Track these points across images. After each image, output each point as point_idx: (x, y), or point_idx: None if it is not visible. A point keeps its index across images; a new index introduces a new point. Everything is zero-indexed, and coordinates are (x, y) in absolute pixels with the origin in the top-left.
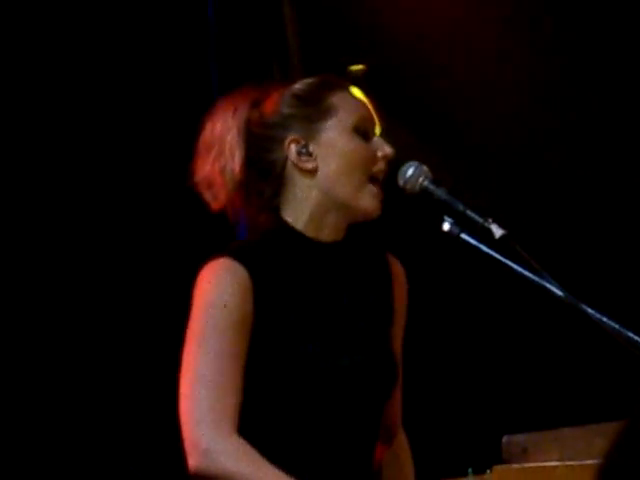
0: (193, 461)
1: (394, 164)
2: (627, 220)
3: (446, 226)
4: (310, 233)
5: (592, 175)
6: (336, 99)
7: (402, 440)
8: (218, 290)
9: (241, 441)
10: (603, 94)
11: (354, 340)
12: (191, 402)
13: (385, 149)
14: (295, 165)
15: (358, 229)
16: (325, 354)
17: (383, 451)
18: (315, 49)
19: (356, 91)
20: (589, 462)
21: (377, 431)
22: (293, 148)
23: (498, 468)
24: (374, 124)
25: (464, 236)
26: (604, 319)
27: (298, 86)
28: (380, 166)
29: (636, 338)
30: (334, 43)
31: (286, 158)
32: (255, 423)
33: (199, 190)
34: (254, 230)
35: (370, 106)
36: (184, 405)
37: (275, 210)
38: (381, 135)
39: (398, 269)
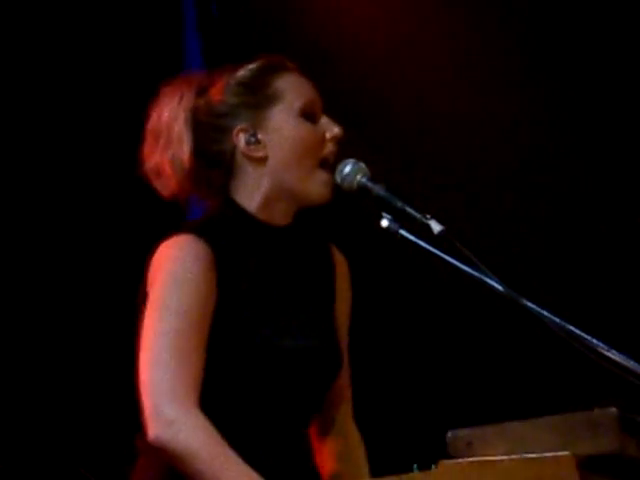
0: (155, 430)
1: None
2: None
3: (385, 222)
4: (261, 217)
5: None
6: (281, 83)
7: (354, 433)
8: (184, 265)
9: (204, 418)
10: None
11: (303, 324)
12: (156, 371)
13: (334, 130)
14: (245, 154)
15: (303, 216)
16: (278, 336)
17: (334, 442)
18: (238, 49)
19: (298, 72)
20: (534, 455)
21: (314, 415)
22: (242, 137)
23: (444, 463)
24: (320, 105)
25: (403, 232)
26: (545, 313)
27: (242, 73)
28: (330, 148)
29: (577, 331)
30: (257, 43)
31: (235, 147)
32: (209, 399)
33: (148, 178)
34: (204, 212)
35: (313, 86)
36: (147, 373)
37: (225, 195)
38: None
39: (340, 259)
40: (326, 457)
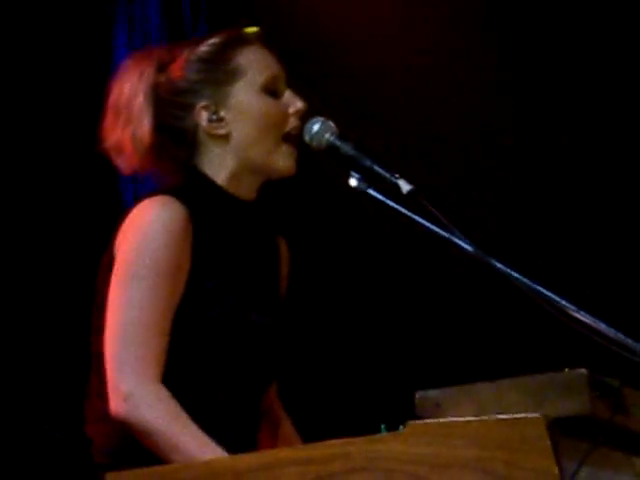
0: (114, 405)
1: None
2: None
3: (353, 182)
4: (229, 189)
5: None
6: (243, 58)
7: (280, 410)
8: (159, 228)
9: (164, 391)
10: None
11: (262, 299)
12: (119, 344)
13: (297, 104)
14: (207, 132)
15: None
16: (245, 309)
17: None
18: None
19: (261, 45)
20: (503, 416)
21: (265, 391)
22: (204, 115)
23: (412, 424)
24: (283, 79)
25: (371, 191)
26: (515, 274)
27: (203, 48)
28: (293, 123)
29: (546, 292)
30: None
31: (197, 125)
32: (174, 369)
33: (109, 156)
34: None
35: (278, 60)
36: (111, 346)
37: (191, 168)
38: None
39: (282, 239)
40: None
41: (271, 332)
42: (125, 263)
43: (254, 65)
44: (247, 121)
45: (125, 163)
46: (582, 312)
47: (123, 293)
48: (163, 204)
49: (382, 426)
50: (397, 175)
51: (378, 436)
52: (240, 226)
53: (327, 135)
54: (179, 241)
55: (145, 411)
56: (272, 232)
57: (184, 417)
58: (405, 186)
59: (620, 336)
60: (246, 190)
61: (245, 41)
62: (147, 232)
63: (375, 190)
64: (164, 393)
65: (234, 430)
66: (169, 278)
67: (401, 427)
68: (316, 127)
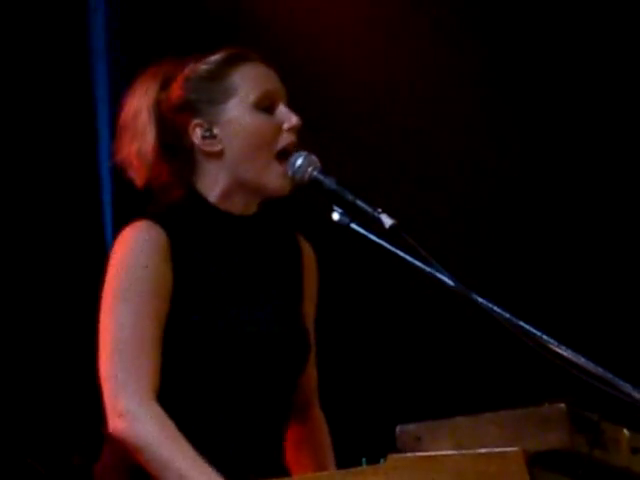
0: (111, 422)
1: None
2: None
3: (336, 216)
4: (222, 207)
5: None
6: (238, 76)
7: (318, 418)
8: (137, 251)
9: (159, 409)
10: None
11: (268, 310)
12: (112, 364)
13: (291, 119)
14: (201, 149)
15: (270, 205)
16: (241, 322)
17: (297, 427)
18: (198, 39)
19: (259, 62)
20: (483, 451)
21: (290, 404)
22: (198, 132)
23: (392, 457)
24: (280, 95)
25: (354, 226)
26: (495, 308)
27: (202, 66)
28: (288, 138)
29: (527, 327)
30: (219, 34)
31: (193, 142)
32: (172, 388)
33: (124, 169)
34: (166, 201)
35: (275, 76)
36: (105, 367)
37: (189, 185)
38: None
39: (308, 249)
40: (289, 443)
41: (281, 342)
42: (110, 286)
43: (248, 82)
44: (239, 138)
45: (135, 177)
46: (562, 346)
47: (111, 315)
48: (141, 229)
49: (363, 459)
50: (380, 210)
51: (359, 469)
52: (235, 241)
53: (310, 169)
54: (157, 262)
55: (140, 428)
56: (287, 238)
57: (178, 436)
58: (387, 221)
59: (600, 370)
60: (240, 207)
61: (244, 58)
62: (127, 255)
63: (358, 224)
64: (159, 411)
65: (237, 445)
66: (152, 296)
67: (382, 460)
68: (299, 161)
